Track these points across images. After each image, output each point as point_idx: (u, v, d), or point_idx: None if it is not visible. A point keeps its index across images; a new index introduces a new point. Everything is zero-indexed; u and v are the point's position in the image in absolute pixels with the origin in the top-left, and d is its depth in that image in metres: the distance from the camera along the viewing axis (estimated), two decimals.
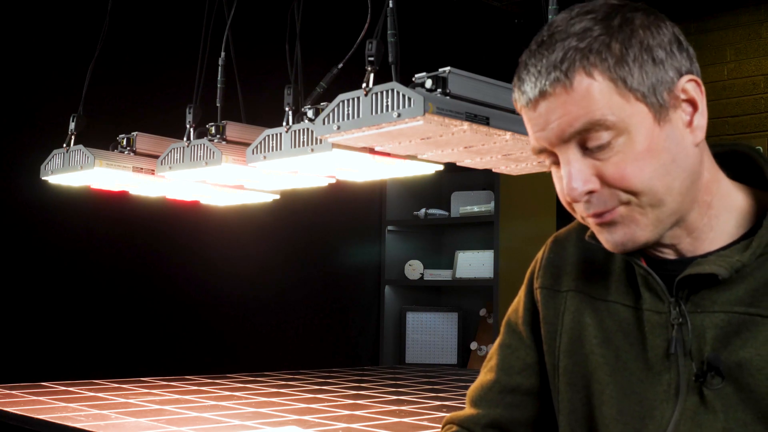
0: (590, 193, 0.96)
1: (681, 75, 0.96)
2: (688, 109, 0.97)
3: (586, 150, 0.95)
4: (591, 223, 1.00)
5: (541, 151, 1.00)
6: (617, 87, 0.93)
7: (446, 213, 4.24)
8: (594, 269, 1.10)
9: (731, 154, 1.06)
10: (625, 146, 0.94)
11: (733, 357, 0.95)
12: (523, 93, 0.97)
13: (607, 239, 0.99)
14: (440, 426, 1.26)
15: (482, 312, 4.12)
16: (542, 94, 0.95)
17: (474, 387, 1.22)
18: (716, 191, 1.00)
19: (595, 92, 0.93)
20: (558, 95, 0.94)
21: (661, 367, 1.00)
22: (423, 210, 4.25)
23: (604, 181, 0.95)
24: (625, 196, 0.95)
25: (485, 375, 1.21)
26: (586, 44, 0.94)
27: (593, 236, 1.05)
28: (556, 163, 0.99)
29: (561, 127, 0.95)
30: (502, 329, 1.22)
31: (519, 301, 1.20)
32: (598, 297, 1.08)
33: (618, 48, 0.94)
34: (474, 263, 4.14)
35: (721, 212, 1.00)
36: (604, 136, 0.93)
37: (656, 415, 1.00)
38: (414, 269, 4.28)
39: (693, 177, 0.97)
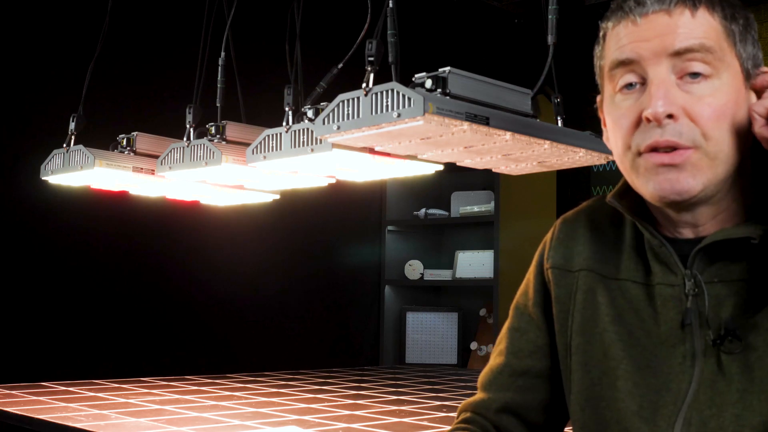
0: (669, 117, 0.97)
1: (758, 65, 1.03)
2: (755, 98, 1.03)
3: (679, 80, 0.98)
4: (650, 162, 0.98)
5: (623, 64, 1.01)
6: (728, 37, 1.00)
7: (446, 213, 4.23)
8: (605, 248, 1.12)
9: None
10: (716, 90, 0.98)
11: (750, 321, 0.97)
12: (639, 4, 1.00)
13: (664, 180, 0.98)
14: (452, 416, 1.26)
15: (482, 312, 4.12)
16: (665, 9, 0.99)
17: (484, 372, 1.23)
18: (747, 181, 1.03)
19: (712, 27, 0.99)
20: (680, 15, 0.99)
21: (676, 339, 1.02)
22: (423, 210, 4.25)
23: (686, 113, 0.97)
24: (698, 138, 0.97)
25: (495, 359, 1.21)
26: None
27: (618, 197, 1.08)
28: (629, 85, 1.01)
29: (671, 40, 0.98)
30: (510, 313, 1.23)
31: (528, 283, 1.21)
32: (609, 276, 1.09)
33: (730, 11, 1.01)
34: (474, 263, 4.14)
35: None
36: (705, 67, 0.98)
37: (672, 387, 1.01)
38: (414, 269, 4.28)
39: (744, 154, 1.00)
